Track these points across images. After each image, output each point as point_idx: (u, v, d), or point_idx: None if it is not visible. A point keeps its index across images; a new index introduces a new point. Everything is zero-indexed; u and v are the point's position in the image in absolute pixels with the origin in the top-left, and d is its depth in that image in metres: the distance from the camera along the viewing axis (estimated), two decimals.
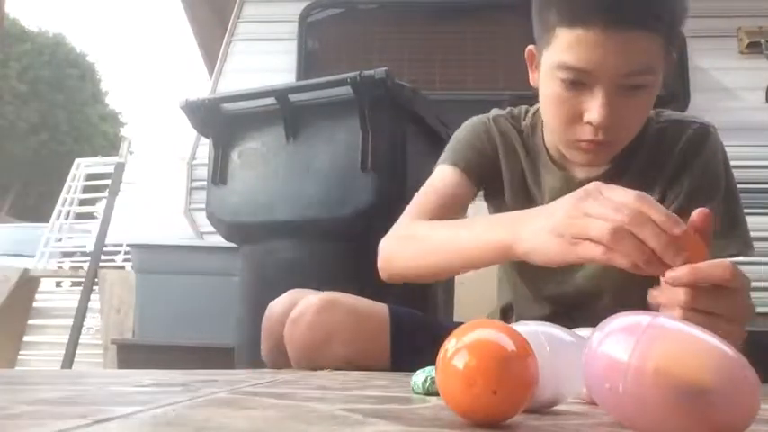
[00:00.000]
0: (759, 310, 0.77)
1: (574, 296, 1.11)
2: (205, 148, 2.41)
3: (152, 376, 0.78)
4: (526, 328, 0.51)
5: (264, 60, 3.41)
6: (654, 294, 0.65)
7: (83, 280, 3.16)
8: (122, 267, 4.26)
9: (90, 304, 3.07)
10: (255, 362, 1.58)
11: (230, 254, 2.22)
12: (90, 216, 5.28)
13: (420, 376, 0.62)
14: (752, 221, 1.04)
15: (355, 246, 1.68)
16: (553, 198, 1.06)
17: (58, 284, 4.08)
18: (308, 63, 3.46)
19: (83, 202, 5.00)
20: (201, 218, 2.88)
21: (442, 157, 1.14)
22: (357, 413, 0.44)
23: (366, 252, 1.72)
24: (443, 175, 1.10)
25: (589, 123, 0.91)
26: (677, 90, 2.84)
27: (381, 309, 1.17)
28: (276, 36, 3.50)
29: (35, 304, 3.72)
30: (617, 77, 0.88)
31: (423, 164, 1.83)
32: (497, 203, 1.16)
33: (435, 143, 1.89)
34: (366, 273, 1.63)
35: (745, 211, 1.04)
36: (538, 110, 1.12)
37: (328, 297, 1.11)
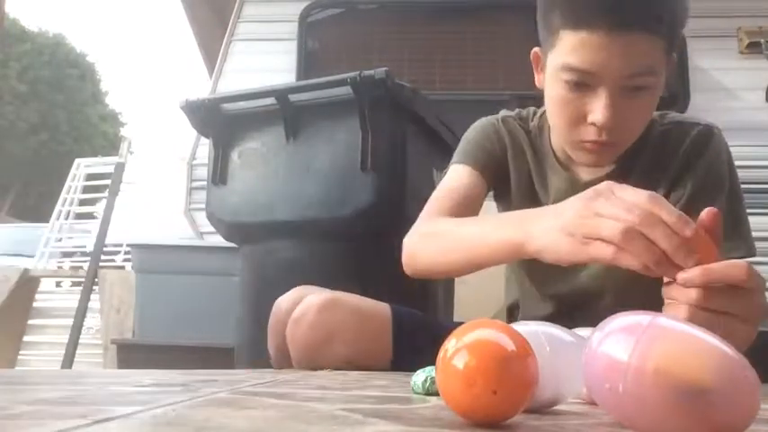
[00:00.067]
0: None
1: (578, 295, 1.11)
2: (205, 148, 2.41)
3: (152, 376, 0.78)
4: (526, 328, 0.51)
5: (264, 60, 3.41)
6: (667, 290, 0.65)
7: (83, 280, 3.16)
8: (122, 267, 4.26)
9: (90, 304, 3.07)
10: (255, 362, 1.58)
11: (230, 254, 2.22)
12: (90, 216, 5.28)
13: (420, 376, 0.62)
14: (752, 221, 1.04)
15: (355, 246, 1.68)
16: (558, 199, 1.07)
17: (58, 284, 4.08)
18: (308, 63, 3.46)
19: (83, 202, 5.00)
20: (201, 218, 2.88)
21: (454, 157, 1.15)
22: (357, 413, 0.44)
23: (366, 252, 1.74)
24: (458, 175, 1.11)
25: (593, 124, 0.93)
26: (677, 90, 2.84)
27: (383, 309, 1.17)
28: (276, 36, 3.50)
29: (35, 304, 3.72)
30: (620, 79, 0.89)
31: (423, 164, 1.84)
32: (505, 204, 1.17)
33: (435, 143, 1.89)
34: (366, 272, 1.64)
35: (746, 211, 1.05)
36: (545, 111, 1.13)
37: (330, 297, 1.12)
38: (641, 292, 0.81)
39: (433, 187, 1.86)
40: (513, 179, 1.14)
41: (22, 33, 18.69)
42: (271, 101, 1.75)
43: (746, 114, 2.88)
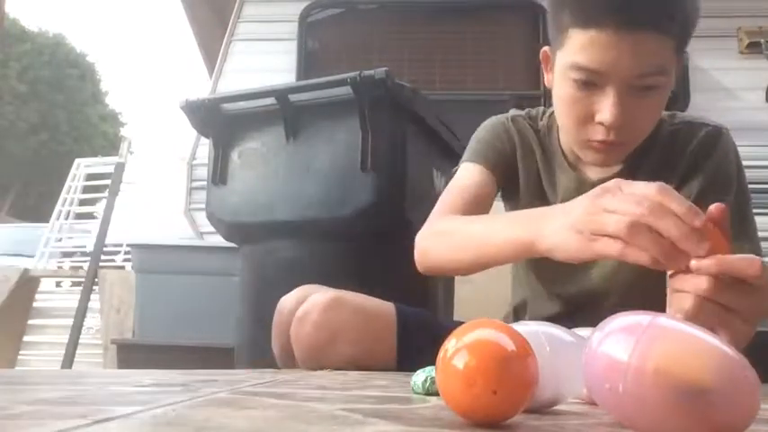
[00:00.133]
0: None
1: (586, 294, 1.12)
2: (205, 148, 2.41)
3: (152, 376, 0.78)
4: (526, 328, 0.51)
5: (264, 60, 3.41)
6: (674, 281, 0.64)
7: (83, 280, 3.16)
8: (122, 267, 4.26)
9: (90, 304, 3.07)
10: (255, 362, 1.58)
11: (230, 254, 2.22)
12: (90, 216, 5.28)
13: (420, 376, 0.62)
14: None
15: (355, 246, 1.68)
16: (566, 198, 1.07)
17: (58, 284, 4.08)
18: (308, 63, 3.46)
19: (83, 202, 5.00)
20: (201, 218, 2.88)
21: (465, 155, 1.15)
22: (357, 413, 0.44)
23: (366, 252, 1.74)
24: (469, 173, 1.11)
25: (601, 123, 0.92)
26: (677, 90, 2.84)
27: (388, 308, 1.17)
28: (276, 36, 3.50)
29: (35, 304, 3.72)
30: (629, 78, 0.89)
31: (423, 164, 1.84)
32: (513, 203, 1.17)
33: (435, 143, 1.89)
34: (366, 272, 1.64)
35: None
36: (554, 111, 1.13)
37: (334, 296, 1.11)
38: (648, 291, 0.81)
39: (433, 187, 1.87)
40: (522, 178, 1.14)
41: (22, 33, 18.68)
42: (271, 101, 1.75)
43: (746, 114, 2.88)
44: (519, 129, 1.15)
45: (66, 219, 4.88)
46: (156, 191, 4.90)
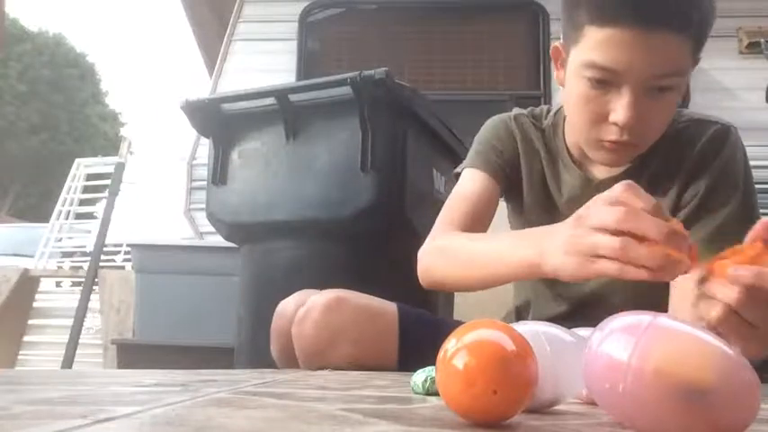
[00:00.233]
0: None
1: (590, 295, 1.11)
2: (205, 148, 2.41)
3: (152, 376, 0.78)
4: (526, 328, 0.51)
5: (264, 60, 3.41)
6: (708, 286, 0.64)
7: (83, 280, 3.16)
8: (122, 267, 4.26)
9: (90, 304, 3.07)
10: (255, 362, 1.58)
11: (230, 254, 2.22)
12: (90, 216, 5.27)
13: (420, 376, 0.62)
14: None
15: (355, 245, 1.68)
16: (572, 197, 1.07)
17: (58, 284, 4.08)
18: (308, 63, 3.47)
19: (83, 202, 4.99)
20: (201, 218, 2.88)
21: (467, 160, 1.14)
22: (357, 413, 0.44)
23: (366, 252, 1.74)
24: (470, 181, 1.11)
25: (615, 124, 0.91)
26: None
27: (391, 308, 1.16)
28: (276, 36, 3.50)
29: (35, 304, 3.72)
30: (645, 78, 0.87)
31: (423, 164, 1.84)
32: (517, 203, 1.16)
33: (435, 143, 1.89)
34: (366, 272, 1.64)
35: None
36: (559, 110, 1.12)
37: (335, 296, 1.11)
38: (651, 291, 0.81)
39: (433, 187, 1.87)
40: (526, 178, 1.13)
41: (22, 33, 18.68)
42: (271, 101, 1.75)
43: (746, 114, 2.88)
44: (521, 128, 1.14)
45: (67, 219, 4.87)
46: (156, 191, 4.90)
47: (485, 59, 3.52)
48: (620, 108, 0.89)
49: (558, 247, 0.72)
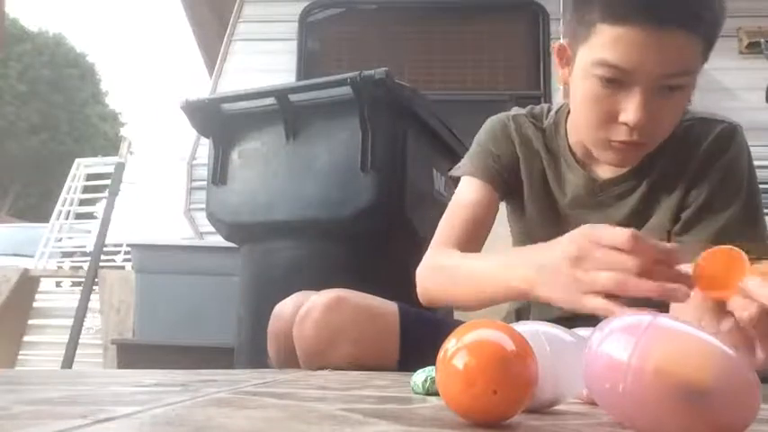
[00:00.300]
0: None
1: None
2: (205, 148, 2.41)
3: (152, 376, 0.78)
4: (526, 328, 0.51)
5: (264, 60, 3.41)
6: (746, 283, 0.65)
7: (83, 280, 3.16)
8: (122, 267, 4.25)
9: (90, 304, 3.07)
10: (255, 362, 1.58)
11: (230, 254, 2.22)
12: (90, 216, 5.27)
13: (420, 376, 0.62)
14: None
15: (355, 245, 1.68)
16: (576, 197, 1.07)
17: (58, 284, 4.08)
18: (308, 63, 3.47)
19: (83, 202, 4.99)
20: (201, 218, 2.88)
21: (464, 165, 1.14)
22: (357, 413, 0.44)
23: (366, 252, 1.74)
24: (468, 191, 1.10)
25: (625, 124, 0.90)
26: None
27: (390, 307, 1.16)
28: (276, 36, 3.50)
29: (35, 304, 3.72)
30: (656, 78, 0.87)
31: (423, 164, 1.84)
32: (517, 205, 1.15)
33: (435, 143, 1.89)
34: (366, 272, 1.64)
35: None
36: (560, 108, 1.11)
37: (336, 295, 1.11)
38: None
39: (433, 187, 1.87)
40: (526, 180, 1.12)
41: (22, 33, 18.68)
42: (271, 101, 1.75)
43: (746, 114, 2.87)
44: (520, 128, 1.13)
45: (67, 219, 4.87)
46: (156, 191, 4.90)
47: (485, 59, 3.52)
48: (630, 108, 0.88)
49: (549, 280, 0.76)
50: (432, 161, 1.87)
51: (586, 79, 0.91)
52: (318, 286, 1.17)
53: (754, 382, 0.37)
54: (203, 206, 1.93)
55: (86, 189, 4.96)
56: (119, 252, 4.61)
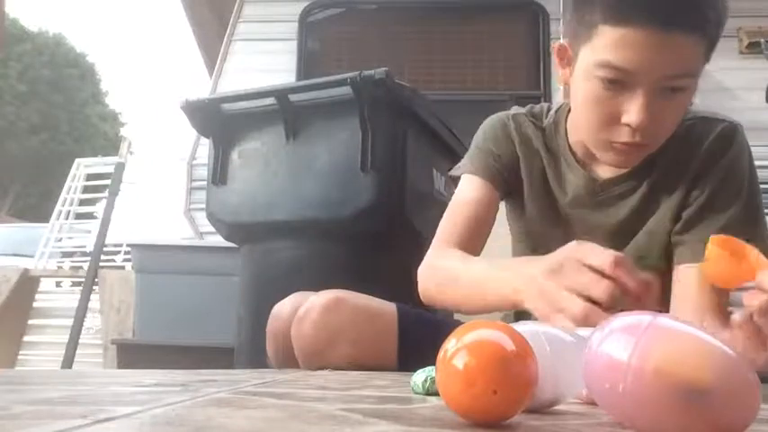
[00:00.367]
0: None
1: None
2: (205, 148, 2.41)
3: (152, 376, 0.78)
4: (526, 328, 0.51)
5: (264, 60, 3.41)
6: (760, 276, 0.67)
7: (83, 280, 3.16)
8: (122, 267, 4.25)
9: (90, 304, 3.07)
10: (255, 362, 1.58)
11: (230, 254, 2.22)
12: (90, 216, 5.27)
13: (420, 376, 0.62)
14: None
15: (355, 246, 1.68)
16: (576, 197, 1.07)
17: (58, 284, 4.08)
18: (308, 63, 3.47)
19: (83, 202, 4.99)
20: (201, 218, 2.88)
21: (465, 164, 1.14)
22: (357, 413, 0.44)
23: (366, 252, 1.74)
24: (469, 189, 1.10)
25: (627, 125, 0.89)
26: None
27: (389, 308, 1.16)
28: (276, 36, 3.50)
29: (35, 304, 3.72)
30: (659, 79, 0.86)
31: (423, 164, 1.84)
32: (517, 204, 1.15)
33: (435, 143, 1.89)
34: (366, 272, 1.64)
35: None
36: (560, 108, 1.11)
37: (335, 296, 1.11)
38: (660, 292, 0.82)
39: (433, 187, 1.87)
40: (526, 179, 1.11)
41: (22, 33, 18.69)
42: (271, 101, 1.75)
43: (746, 114, 2.87)
44: (520, 128, 1.12)
45: (67, 219, 4.87)
46: (156, 191, 4.90)
47: (485, 59, 3.52)
48: (633, 110, 0.87)
49: (532, 291, 0.79)
50: (432, 161, 1.87)
51: (588, 80, 0.91)
52: (318, 286, 1.17)
53: (754, 382, 0.37)
54: (203, 206, 1.93)
55: (86, 189, 4.96)
56: (119, 252, 4.61)
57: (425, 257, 1.07)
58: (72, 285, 3.95)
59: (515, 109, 1.16)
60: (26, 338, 3.67)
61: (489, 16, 3.56)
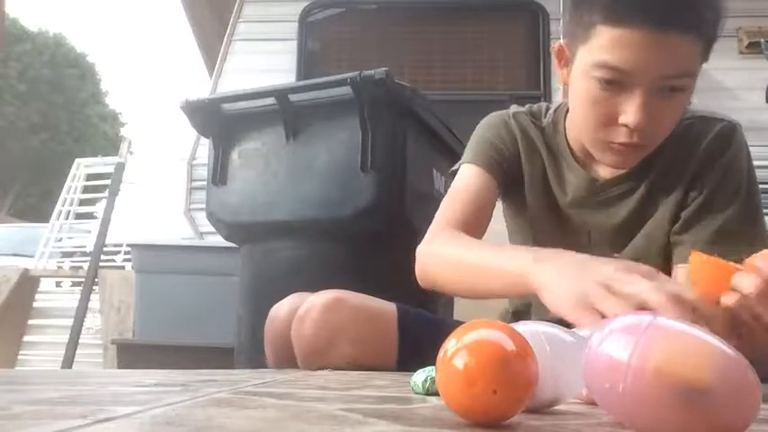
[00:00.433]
0: None
1: None
2: (205, 148, 2.41)
3: (152, 376, 0.78)
4: (526, 328, 0.51)
5: (264, 60, 3.41)
6: (751, 260, 0.66)
7: (83, 280, 3.16)
8: (122, 267, 4.25)
9: (90, 304, 3.07)
10: (255, 362, 1.58)
11: (230, 254, 2.22)
12: (90, 216, 5.27)
13: (420, 376, 0.62)
14: None
15: (355, 245, 1.68)
16: (577, 197, 1.07)
17: (58, 284, 4.08)
18: (308, 63, 3.47)
19: (83, 202, 4.99)
20: (201, 218, 2.88)
21: (466, 155, 1.13)
22: (357, 413, 0.44)
23: (366, 252, 1.73)
24: (468, 178, 1.09)
25: (625, 126, 0.89)
26: None
27: (389, 308, 1.16)
28: (276, 36, 3.50)
29: (35, 304, 3.72)
30: (657, 79, 0.86)
31: (423, 164, 1.84)
32: (515, 201, 1.15)
33: (435, 143, 1.89)
34: (366, 272, 1.64)
35: None
36: (559, 107, 1.11)
37: (334, 296, 1.11)
38: None
39: (433, 187, 1.87)
40: (527, 176, 1.11)
41: (22, 33, 18.68)
42: (271, 101, 1.75)
43: (746, 114, 2.87)
44: (521, 125, 1.12)
45: (67, 219, 4.87)
46: (156, 191, 4.89)
47: (485, 59, 3.52)
48: (631, 110, 0.87)
49: (565, 287, 0.72)
50: (432, 161, 1.87)
51: (586, 81, 0.91)
52: (318, 286, 1.17)
53: (754, 382, 0.37)
54: (203, 206, 1.93)
55: (86, 189, 4.97)
56: (119, 252, 4.61)
57: (425, 240, 1.05)
58: (72, 285, 3.95)
59: (515, 108, 1.16)
60: (26, 338, 3.67)
61: (489, 16, 3.56)
